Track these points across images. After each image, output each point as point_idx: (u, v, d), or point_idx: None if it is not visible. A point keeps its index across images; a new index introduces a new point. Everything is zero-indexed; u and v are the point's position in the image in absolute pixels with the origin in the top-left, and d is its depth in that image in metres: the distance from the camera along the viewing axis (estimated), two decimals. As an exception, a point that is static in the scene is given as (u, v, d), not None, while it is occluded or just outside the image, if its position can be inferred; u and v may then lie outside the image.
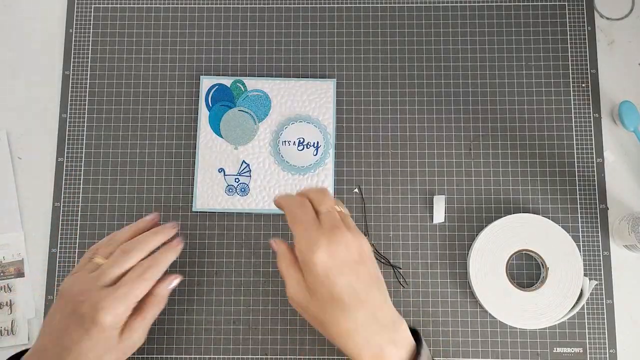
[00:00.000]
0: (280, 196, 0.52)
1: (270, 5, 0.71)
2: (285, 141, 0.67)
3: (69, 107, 0.69)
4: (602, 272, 0.65)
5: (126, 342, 0.52)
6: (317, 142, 0.66)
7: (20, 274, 0.65)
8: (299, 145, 0.66)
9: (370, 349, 0.46)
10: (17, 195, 0.67)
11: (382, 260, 0.65)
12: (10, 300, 0.65)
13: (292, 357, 0.64)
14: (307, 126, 0.67)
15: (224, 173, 0.66)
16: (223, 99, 0.67)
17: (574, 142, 0.67)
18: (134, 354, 0.54)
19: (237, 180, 0.66)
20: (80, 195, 0.67)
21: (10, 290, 0.65)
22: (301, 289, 0.48)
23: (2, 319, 0.64)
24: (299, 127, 0.67)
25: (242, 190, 0.66)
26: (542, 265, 0.63)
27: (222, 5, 0.71)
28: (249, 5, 0.71)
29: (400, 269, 0.65)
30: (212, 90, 0.67)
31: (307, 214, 0.49)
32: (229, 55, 0.69)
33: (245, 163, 0.66)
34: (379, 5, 0.70)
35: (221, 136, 0.67)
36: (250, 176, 0.66)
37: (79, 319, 0.49)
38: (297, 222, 0.49)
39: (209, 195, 0.66)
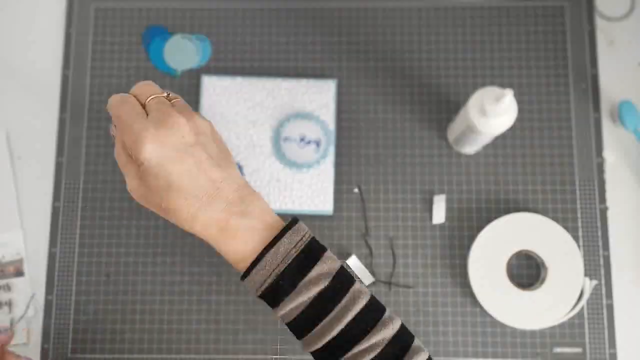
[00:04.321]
0: (109, 100, 0.46)
1: (271, 6, 0.71)
2: (286, 137, 0.67)
3: (68, 107, 0.69)
4: (602, 272, 0.65)
5: None
6: (319, 139, 0.67)
7: (19, 273, 0.65)
8: (300, 142, 0.67)
9: (216, 224, 0.44)
10: (16, 195, 0.67)
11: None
12: (9, 300, 0.65)
13: (292, 357, 0.64)
14: (308, 123, 0.67)
15: None
16: (160, 33, 0.69)
17: (574, 142, 0.67)
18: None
19: None
20: (80, 195, 0.67)
21: (10, 290, 0.65)
22: (139, 182, 0.44)
23: (1, 319, 0.64)
24: (301, 123, 0.67)
25: None
26: (542, 265, 0.63)
27: (222, 7, 0.71)
28: (249, 7, 0.71)
29: (397, 284, 0.65)
30: (148, 34, 0.69)
31: (131, 108, 0.44)
32: (230, 55, 0.70)
33: (238, 165, 0.66)
34: (380, 5, 0.70)
35: (166, 69, 0.68)
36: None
37: None
38: (120, 120, 0.44)
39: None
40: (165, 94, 0.46)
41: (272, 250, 0.43)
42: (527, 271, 0.65)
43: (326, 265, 0.44)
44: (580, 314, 0.64)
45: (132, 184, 0.45)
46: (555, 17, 0.70)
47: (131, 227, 0.66)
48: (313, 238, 0.44)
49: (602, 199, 0.66)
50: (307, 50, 0.70)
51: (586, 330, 0.63)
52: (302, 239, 0.44)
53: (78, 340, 0.64)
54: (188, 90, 0.69)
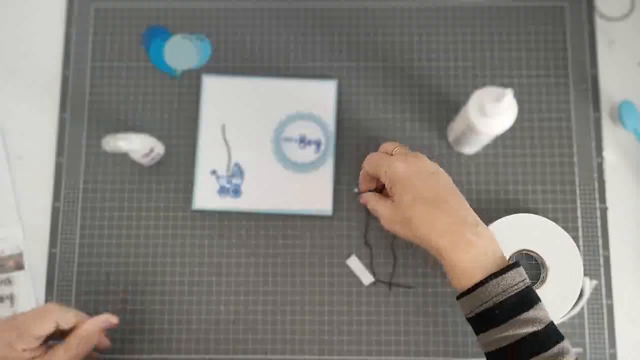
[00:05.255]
0: (365, 163, 0.57)
1: (271, 6, 0.71)
2: (287, 138, 0.67)
3: (68, 107, 0.69)
4: (602, 272, 0.65)
5: None
6: (319, 140, 0.67)
7: (19, 267, 0.65)
8: (300, 142, 0.67)
9: (451, 235, 0.48)
10: (14, 191, 0.67)
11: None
12: (11, 294, 0.65)
13: (292, 357, 0.64)
14: (308, 124, 0.67)
15: (217, 175, 0.66)
16: (160, 33, 0.69)
17: (574, 142, 0.67)
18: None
19: (229, 182, 0.66)
20: (80, 195, 0.67)
21: (11, 283, 0.65)
22: (391, 209, 0.52)
23: (4, 312, 0.64)
24: (301, 124, 0.67)
25: (235, 191, 0.66)
26: (542, 265, 0.63)
27: (222, 7, 0.71)
28: (249, 6, 0.71)
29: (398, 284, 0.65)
30: (148, 34, 0.69)
31: (380, 154, 0.56)
32: (230, 55, 0.70)
33: (238, 165, 0.66)
34: (380, 6, 0.70)
35: (166, 69, 0.68)
36: (242, 178, 0.66)
37: None
38: (373, 161, 0.55)
39: (207, 195, 0.66)
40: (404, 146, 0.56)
41: (498, 278, 0.47)
42: (527, 271, 0.65)
43: (542, 312, 0.47)
44: (580, 314, 0.64)
45: (385, 213, 0.53)
46: (555, 17, 0.70)
47: (131, 227, 0.66)
48: (530, 286, 0.48)
49: (602, 199, 0.66)
50: (307, 50, 0.70)
51: (586, 330, 0.63)
52: (523, 280, 0.48)
53: (78, 340, 0.64)
54: (188, 90, 0.69)
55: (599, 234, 0.65)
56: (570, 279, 0.62)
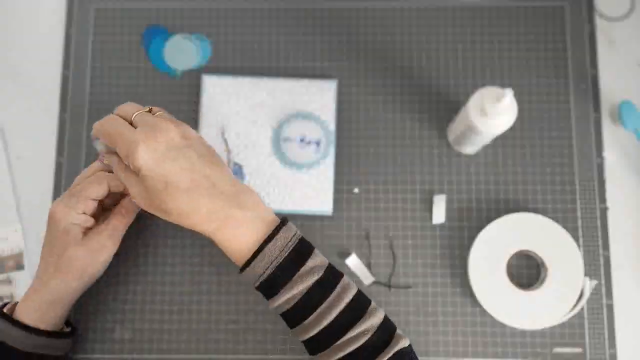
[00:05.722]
0: (95, 125, 0.51)
1: (271, 6, 0.71)
2: (286, 137, 0.67)
3: (69, 106, 0.69)
4: (602, 272, 0.65)
5: (91, 243, 0.54)
6: (319, 139, 0.67)
7: (20, 266, 0.65)
8: (300, 142, 0.67)
9: (216, 219, 0.47)
10: (13, 191, 0.67)
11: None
12: (11, 294, 0.65)
13: (292, 357, 0.64)
14: (308, 123, 0.67)
15: None
16: (160, 33, 0.69)
17: (574, 142, 0.67)
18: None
19: None
20: (80, 195, 0.67)
21: (11, 283, 0.65)
22: (141, 189, 0.48)
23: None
24: (301, 123, 0.67)
25: None
26: (542, 265, 0.63)
27: (222, 7, 0.71)
28: (249, 6, 0.71)
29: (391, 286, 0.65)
30: (148, 34, 0.69)
31: (119, 123, 0.49)
32: (230, 55, 0.70)
33: (238, 165, 0.66)
34: (379, 6, 0.70)
35: (166, 69, 0.68)
36: (242, 178, 0.66)
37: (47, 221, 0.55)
38: (113, 135, 0.49)
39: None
40: (147, 109, 0.51)
41: (271, 243, 0.47)
42: (527, 271, 0.65)
43: (318, 259, 0.49)
44: (580, 314, 0.64)
45: (134, 192, 0.49)
46: (555, 17, 0.70)
47: (131, 227, 0.66)
48: (302, 236, 0.49)
49: (602, 199, 0.66)
50: (307, 50, 0.70)
51: (586, 330, 0.63)
52: (295, 234, 0.48)
53: (77, 340, 0.64)
54: (188, 90, 0.69)
55: (599, 234, 0.65)
56: (570, 279, 0.63)
